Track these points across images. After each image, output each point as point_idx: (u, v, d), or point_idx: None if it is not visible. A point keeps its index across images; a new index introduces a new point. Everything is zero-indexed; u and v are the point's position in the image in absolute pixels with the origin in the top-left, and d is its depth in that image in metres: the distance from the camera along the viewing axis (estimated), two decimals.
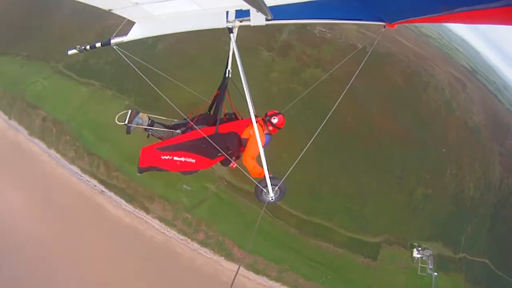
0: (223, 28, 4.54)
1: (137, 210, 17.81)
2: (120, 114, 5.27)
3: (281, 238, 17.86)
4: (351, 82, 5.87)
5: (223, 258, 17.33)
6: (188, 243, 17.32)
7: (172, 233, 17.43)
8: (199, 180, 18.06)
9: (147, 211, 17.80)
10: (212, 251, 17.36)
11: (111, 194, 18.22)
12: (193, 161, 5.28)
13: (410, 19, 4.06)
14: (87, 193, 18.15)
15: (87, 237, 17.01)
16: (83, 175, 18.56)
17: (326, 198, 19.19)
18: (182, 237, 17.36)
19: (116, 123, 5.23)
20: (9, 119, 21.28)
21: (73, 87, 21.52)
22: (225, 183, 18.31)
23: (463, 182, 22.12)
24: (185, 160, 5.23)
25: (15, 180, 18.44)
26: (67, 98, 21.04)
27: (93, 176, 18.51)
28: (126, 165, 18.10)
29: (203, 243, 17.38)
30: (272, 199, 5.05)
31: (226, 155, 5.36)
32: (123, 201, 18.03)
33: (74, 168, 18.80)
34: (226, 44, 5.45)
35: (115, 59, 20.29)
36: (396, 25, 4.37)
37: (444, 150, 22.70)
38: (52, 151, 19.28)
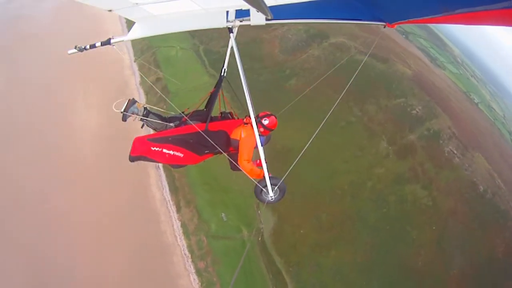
0: None
1: (171, 203, 18.20)
2: (118, 101, 5.40)
3: None
4: (351, 80, 6.51)
5: None
6: (187, 261, 16.93)
7: (182, 242, 17.31)
8: (240, 218, 17.71)
9: (178, 209, 18.04)
10: (200, 284, 16.53)
11: (163, 175, 18.98)
12: (181, 155, 5.35)
13: (410, 19, 4.08)
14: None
15: (115, 190, 17.88)
16: None
17: None
18: (187, 253, 17.07)
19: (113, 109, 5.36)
20: (134, 61, 23.76)
21: (198, 71, 22.88)
22: (259, 239, 17.15)
23: None
24: (173, 154, 5.30)
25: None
26: (187, 77, 22.16)
27: None
28: (192, 166, 19.03)
29: (198, 272, 16.70)
30: (272, 199, 5.09)
31: (220, 151, 5.41)
32: (167, 188, 18.64)
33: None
34: None
35: (247, 69, 22.23)
36: (396, 25, 4.37)
37: None
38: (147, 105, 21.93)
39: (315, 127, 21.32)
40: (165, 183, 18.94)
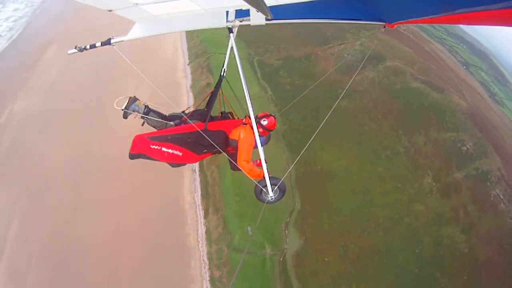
0: None
1: (200, 208, 18.17)
2: (119, 98, 5.50)
3: None
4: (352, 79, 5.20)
5: None
6: (204, 268, 16.58)
7: (203, 248, 17.06)
8: (266, 235, 17.23)
9: (206, 215, 17.92)
10: None
11: (197, 179, 19.09)
12: (180, 154, 5.38)
13: (410, 19, 4.07)
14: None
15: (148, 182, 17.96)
16: None
17: None
18: (206, 260, 16.76)
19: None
20: (187, 64, 24.84)
21: (249, 81, 22.38)
22: (281, 259, 16.57)
23: None
24: (172, 152, 5.33)
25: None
26: (237, 85, 22.91)
27: None
28: (227, 171, 18.51)
29: (212, 280, 16.24)
30: (272, 199, 5.15)
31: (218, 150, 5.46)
32: (199, 192, 18.66)
33: None
34: None
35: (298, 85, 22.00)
36: (396, 25, 4.35)
37: None
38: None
39: (359, 154, 20.48)
40: (198, 187, 18.92)
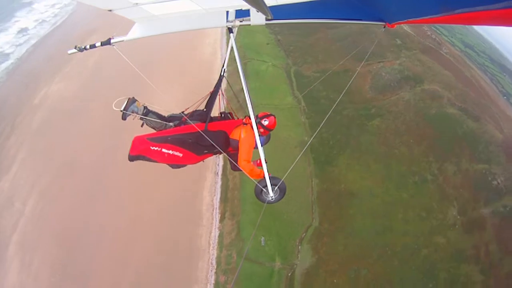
0: None
1: (217, 211, 18.12)
2: (118, 99, 5.55)
3: None
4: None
5: None
6: (210, 271, 16.41)
7: (213, 251, 16.89)
8: (279, 248, 16.87)
9: (221, 219, 17.82)
10: None
11: (219, 182, 19.08)
12: (180, 155, 5.38)
13: (410, 19, 4.03)
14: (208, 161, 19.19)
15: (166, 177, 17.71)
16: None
17: None
18: (214, 264, 16.60)
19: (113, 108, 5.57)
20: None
21: (284, 90, 23.47)
22: (289, 274, 16.31)
23: None
24: (172, 153, 5.34)
25: None
26: (271, 93, 22.96)
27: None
28: (249, 177, 18.36)
29: (216, 284, 15.98)
30: (272, 199, 5.24)
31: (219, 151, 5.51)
32: (218, 195, 18.63)
33: None
34: None
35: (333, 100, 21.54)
36: (396, 25, 4.33)
37: None
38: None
39: (385, 177, 19.61)
40: (218, 190, 18.86)
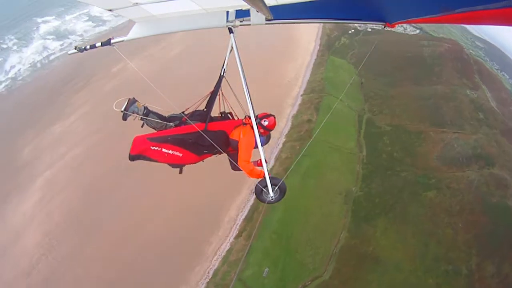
0: None
1: (237, 227, 18.14)
2: (119, 100, 5.55)
3: None
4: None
5: None
6: (204, 280, 16.41)
7: (215, 263, 16.86)
8: (280, 284, 16.32)
9: (237, 236, 17.74)
10: None
11: (250, 201, 19.04)
12: (180, 155, 5.38)
13: (410, 19, 4.03)
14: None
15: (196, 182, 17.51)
16: None
17: None
18: (210, 274, 16.59)
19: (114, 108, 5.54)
20: (300, 95, 25.51)
21: (349, 134, 23.10)
22: None
23: None
24: (172, 153, 5.35)
25: None
26: (336, 133, 22.69)
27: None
28: (281, 206, 17.86)
29: None
30: (272, 199, 5.14)
31: (219, 150, 5.47)
32: (245, 213, 18.67)
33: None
34: None
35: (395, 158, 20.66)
36: (396, 25, 4.28)
37: None
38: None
39: (418, 255, 17.62)
40: (246, 209, 18.86)
